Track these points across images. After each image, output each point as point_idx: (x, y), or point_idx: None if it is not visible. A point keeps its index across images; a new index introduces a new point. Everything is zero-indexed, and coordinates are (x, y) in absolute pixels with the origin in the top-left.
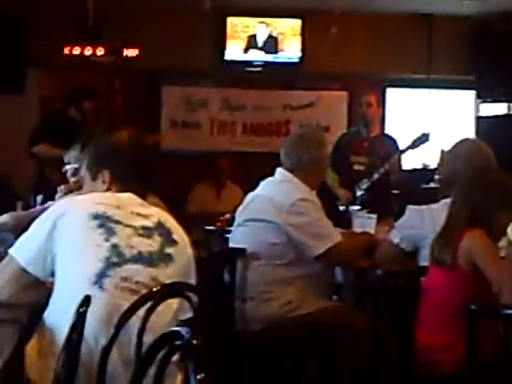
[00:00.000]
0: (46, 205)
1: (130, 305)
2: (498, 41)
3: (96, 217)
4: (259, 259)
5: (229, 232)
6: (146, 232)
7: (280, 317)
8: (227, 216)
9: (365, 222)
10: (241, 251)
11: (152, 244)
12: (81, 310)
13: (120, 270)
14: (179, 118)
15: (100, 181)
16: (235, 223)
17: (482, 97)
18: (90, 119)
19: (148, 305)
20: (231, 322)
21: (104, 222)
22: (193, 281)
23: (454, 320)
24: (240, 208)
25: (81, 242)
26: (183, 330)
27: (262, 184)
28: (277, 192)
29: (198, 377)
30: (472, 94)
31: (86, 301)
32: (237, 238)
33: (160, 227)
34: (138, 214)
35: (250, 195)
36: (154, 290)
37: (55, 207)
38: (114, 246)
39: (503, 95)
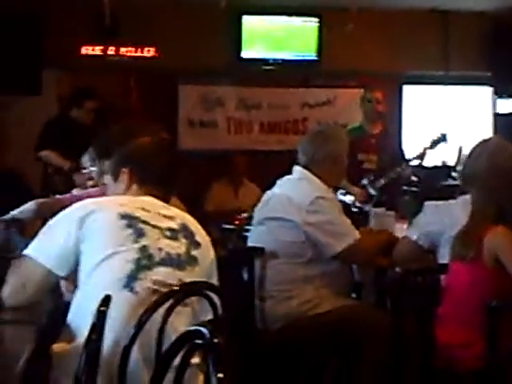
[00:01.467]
0: (76, 193)
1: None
2: None
3: (124, 216)
4: (278, 258)
5: (246, 230)
6: (173, 234)
7: (299, 315)
8: (245, 215)
9: (384, 221)
10: (259, 250)
11: (179, 246)
12: (101, 309)
13: (151, 272)
14: (196, 118)
15: (121, 181)
16: (253, 222)
17: (499, 93)
18: (93, 119)
19: (168, 304)
20: (251, 321)
21: (132, 222)
22: (215, 282)
23: (475, 317)
24: (258, 207)
25: (110, 242)
26: (204, 329)
27: (280, 182)
28: (295, 190)
29: (219, 375)
30: (489, 90)
31: (106, 300)
32: (255, 237)
33: (184, 229)
34: (164, 216)
35: (268, 194)
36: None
37: (78, 207)
38: (144, 248)
39: None
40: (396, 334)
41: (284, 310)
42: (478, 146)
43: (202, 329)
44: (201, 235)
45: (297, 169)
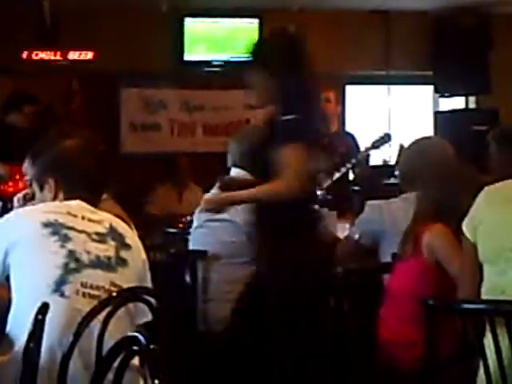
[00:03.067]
0: None
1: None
2: (455, 35)
3: (47, 225)
4: (220, 259)
5: (189, 234)
6: (101, 237)
7: None
8: (188, 218)
9: (326, 220)
10: (202, 253)
11: (108, 249)
12: (39, 317)
13: (79, 275)
14: (139, 121)
15: (47, 191)
16: (194, 225)
17: (440, 91)
18: (32, 123)
19: (107, 310)
20: (193, 324)
21: (57, 229)
22: (149, 284)
23: (416, 316)
24: (198, 209)
25: (36, 252)
26: (141, 335)
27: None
28: None
29: (156, 382)
30: (430, 89)
31: (44, 307)
32: (197, 240)
33: (112, 232)
34: (90, 220)
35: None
36: (113, 294)
37: (4, 221)
38: (71, 252)
39: (461, 89)
40: (338, 332)
41: (226, 311)
42: (414, 143)
43: (138, 335)
44: (130, 237)
45: (233, 170)
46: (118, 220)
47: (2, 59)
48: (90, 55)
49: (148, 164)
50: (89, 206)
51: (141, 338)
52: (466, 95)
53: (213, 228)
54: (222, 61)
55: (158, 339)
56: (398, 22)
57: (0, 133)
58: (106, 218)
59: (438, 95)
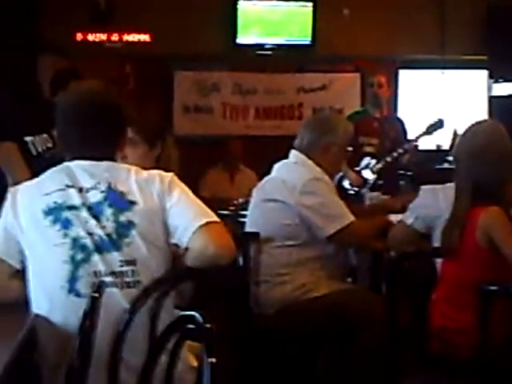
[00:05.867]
0: None
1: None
2: (510, 20)
3: (48, 213)
4: (273, 241)
5: (242, 216)
6: (99, 209)
7: (294, 300)
8: (240, 200)
9: None
10: (254, 235)
11: (106, 226)
12: (94, 295)
13: (89, 265)
14: (191, 103)
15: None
16: (250, 205)
17: (495, 76)
18: None
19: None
20: (246, 306)
21: (57, 214)
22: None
23: (469, 301)
24: (254, 190)
25: (41, 244)
26: (197, 314)
27: (276, 166)
28: (289, 173)
29: (211, 361)
30: (485, 73)
31: (100, 287)
32: (251, 221)
33: (110, 194)
34: (87, 191)
35: (265, 178)
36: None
37: (9, 196)
38: (75, 240)
39: None
40: (391, 318)
41: (279, 294)
42: (471, 127)
43: (194, 314)
44: (134, 192)
45: (293, 153)
46: (118, 171)
47: (56, 39)
48: (143, 38)
49: (200, 146)
50: (87, 165)
51: (197, 316)
52: None
53: (266, 209)
54: (275, 44)
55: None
56: (453, 6)
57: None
58: (104, 178)
59: (492, 80)
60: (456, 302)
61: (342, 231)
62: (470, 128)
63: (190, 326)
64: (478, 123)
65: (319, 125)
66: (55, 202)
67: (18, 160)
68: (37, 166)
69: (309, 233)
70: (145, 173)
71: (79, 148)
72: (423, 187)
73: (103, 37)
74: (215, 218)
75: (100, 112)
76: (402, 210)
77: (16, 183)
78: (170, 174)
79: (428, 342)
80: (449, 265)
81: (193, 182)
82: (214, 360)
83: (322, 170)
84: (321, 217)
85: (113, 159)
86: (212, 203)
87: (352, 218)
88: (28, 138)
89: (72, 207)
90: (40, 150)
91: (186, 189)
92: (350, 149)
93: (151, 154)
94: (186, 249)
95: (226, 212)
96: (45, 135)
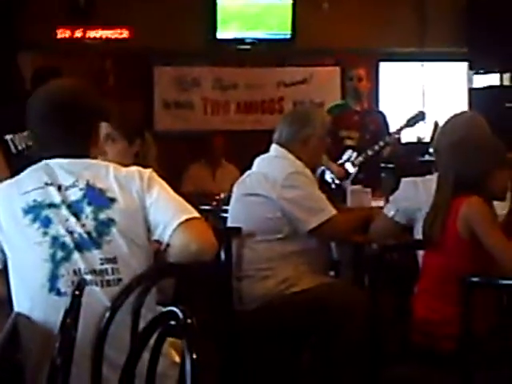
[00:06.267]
0: None
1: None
2: (490, 12)
3: (27, 211)
4: (255, 235)
5: (224, 211)
6: (78, 207)
7: (276, 294)
8: (222, 195)
9: (360, 197)
10: (236, 229)
11: (85, 223)
12: (76, 293)
13: (69, 264)
14: (172, 99)
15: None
16: (232, 200)
17: (475, 68)
18: None
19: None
20: (228, 301)
21: (36, 212)
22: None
23: (451, 292)
24: (235, 185)
25: (21, 242)
26: (178, 310)
27: (257, 161)
28: (270, 167)
29: (194, 356)
30: (464, 65)
31: (81, 285)
32: (233, 215)
33: (89, 192)
34: (67, 188)
35: (246, 173)
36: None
37: None
38: (55, 239)
39: (496, 66)
40: (373, 310)
41: (261, 289)
42: (450, 119)
43: (175, 309)
44: (114, 189)
45: (273, 147)
46: (96, 169)
47: (36, 36)
48: (123, 34)
49: (181, 142)
50: (65, 165)
51: (178, 312)
52: (501, 72)
53: (248, 203)
54: (255, 38)
55: (194, 316)
56: None
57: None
58: (83, 176)
59: (472, 72)
60: (439, 293)
61: (324, 224)
62: (449, 120)
63: (172, 322)
64: (457, 115)
65: (297, 118)
66: (35, 200)
67: None
68: (16, 164)
69: (291, 226)
70: (123, 170)
71: (52, 146)
72: (404, 179)
73: (83, 33)
74: (196, 214)
75: (66, 111)
76: None
77: None
78: (149, 171)
79: (411, 334)
80: (431, 256)
81: (174, 178)
82: (195, 356)
83: (302, 164)
84: (302, 210)
85: (89, 156)
86: (194, 198)
87: (334, 211)
88: (8, 136)
89: (52, 205)
90: (20, 148)
91: (165, 185)
92: (329, 140)
93: (130, 150)
94: (168, 245)
95: (208, 207)
96: (25, 133)
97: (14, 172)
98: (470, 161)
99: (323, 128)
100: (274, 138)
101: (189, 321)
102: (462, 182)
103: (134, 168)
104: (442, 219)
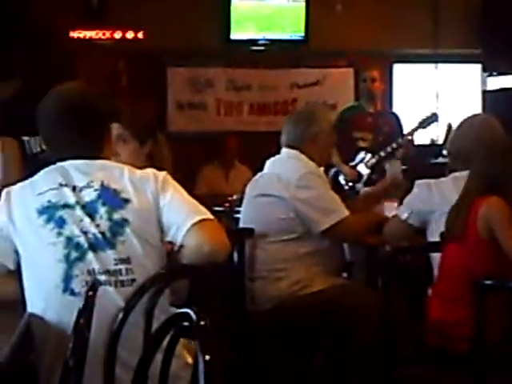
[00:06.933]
0: None
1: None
2: (504, 13)
3: (42, 212)
4: (268, 236)
5: (237, 212)
6: (93, 207)
7: (289, 295)
8: (235, 197)
9: None
10: (249, 231)
11: (99, 224)
12: (89, 293)
13: (83, 264)
14: (185, 100)
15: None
16: (244, 201)
17: (488, 70)
18: None
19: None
20: (241, 302)
21: (51, 213)
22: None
23: (466, 294)
24: (248, 187)
25: (36, 243)
26: (191, 311)
27: (269, 162)
28: (283, 168)
29: (207, 357)
30: (478, 67)
31: (95, 285)
32: (246, 216)
33: (104, 193)
34: (81, 189)
35: (258, 174)
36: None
37: (4, 196)
38: (69, 239)
39: (510, 68)
40: (387, 312)
41: (274, 290)
42: (464, 121)
43: (189, 311)
44: (128, 190)
45: (284, 150)
46: (111, 170)
47: (50, 37)
48: (136, 34)
49: (195, 143)
50: (81, 167)
51: (192, 313)
52: None
53: (261, 203)
54: (269, 40)
55: (207, 317)
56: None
57: None
58: (97, 177)
59: (486, 74)
60: (455, 295)
61: (337, 225)
62: (463, 122)
63: (185, 323)
64: (471, 117)
65: (302, 118)
66: (49, 201)
67: (16, 158)
68: (30, 166)
69: (304, 227)
70: (138, 171)
71: (65, 149)
72: (418, 182)
73: (96, 34)
74: (209, 215)
75: (79, 113)
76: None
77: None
78: (163, 173)
79: (425, 335)
80: (450, 257)
81: (187, 179)
82: (208, 357)
83: (315, 164)
84: (316, 210)
85: (103, 158)
86: (207, 200)
87: (347, 212)
88: (25, 138)
89: (66, 206)
90: (34, 151)
91: (179, 187)
92: (335, 136)
93: (142, 150)
94: (181, 246)
95: (221, 208)
96: (39, 137)
97: (28, 174)
98: (493, 162)
99: (329, 124)
100: (281, 141)
101: (202, 322)
102: (487, 183)
103: (149, 170)
104: (464, 218)
